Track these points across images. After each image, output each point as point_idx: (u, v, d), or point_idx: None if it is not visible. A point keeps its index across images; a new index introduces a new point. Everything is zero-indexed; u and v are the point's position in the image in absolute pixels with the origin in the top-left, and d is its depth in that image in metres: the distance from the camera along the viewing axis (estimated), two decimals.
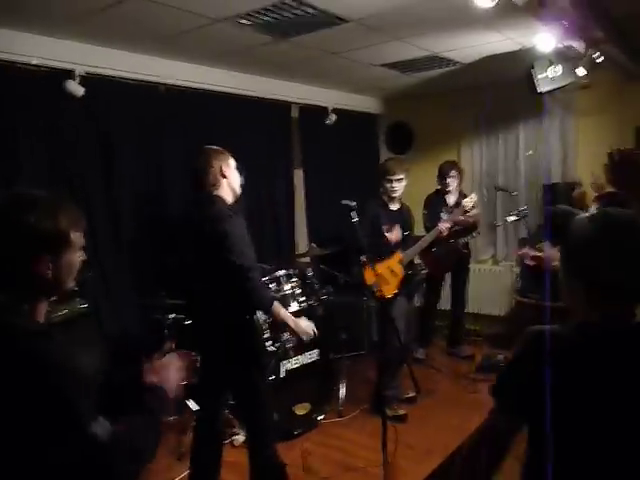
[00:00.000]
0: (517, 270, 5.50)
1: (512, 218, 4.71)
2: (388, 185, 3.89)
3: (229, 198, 2.67)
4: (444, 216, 4.74)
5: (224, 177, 2.64)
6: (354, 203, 2.54)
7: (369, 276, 3.69)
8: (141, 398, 1.45)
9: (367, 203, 3.95)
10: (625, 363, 1.24)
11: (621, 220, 1.33)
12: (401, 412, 3.85)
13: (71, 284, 1.36)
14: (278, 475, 2.69)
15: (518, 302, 5.45)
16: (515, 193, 4.91)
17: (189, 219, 2.87)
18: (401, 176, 3.87)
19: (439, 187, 5.00)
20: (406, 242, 4.03)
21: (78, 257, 1.36)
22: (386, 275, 3.87)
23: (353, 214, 2.51)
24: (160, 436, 1.41)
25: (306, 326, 2.63)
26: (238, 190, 2.73)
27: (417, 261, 5.58)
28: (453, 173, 4.86)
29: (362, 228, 3.73)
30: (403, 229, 4.01)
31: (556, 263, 2.75)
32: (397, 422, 3.57)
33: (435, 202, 4.90)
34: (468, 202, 4.42)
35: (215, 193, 2.62)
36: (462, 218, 4.62)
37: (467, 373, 4.70)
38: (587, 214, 1.39)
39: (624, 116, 4.99)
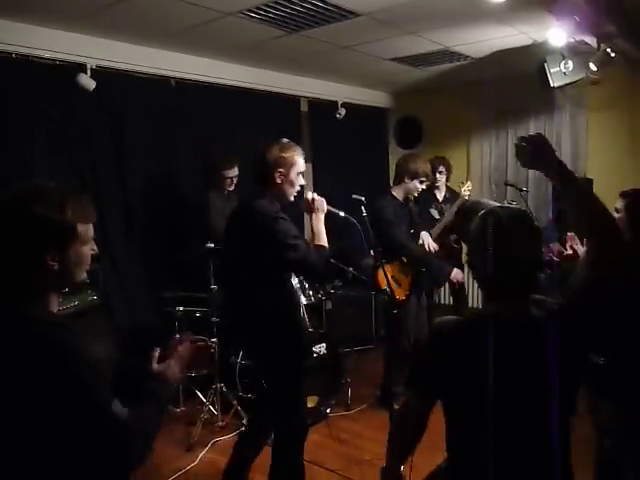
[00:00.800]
0: None
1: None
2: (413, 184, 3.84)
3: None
4: (434, 212, 4.69)
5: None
6: (363, 198, 2.53)
7: (382, 280, 3.53)
8: (146, 385, 1.48)
9: (381, 197, 3.84)
10: (516, 352, 1.33)
11: (505, 220, 1.35)
12: None
13: (81, 276, 1.37)
14: (298, 476, 2.61)
15: None
16: (525, 189, 4.88)
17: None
18: (424, 179, 3.87)
19: (428, 183, 4.90)
20: (416, 236, 3.97)
21: (88, 249, 1.36)
22: (398, 277, 3.83)
23: (363, 209, 2.50)
24: (161, 423, 1.44)
25: None
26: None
27: None
28: (442, 168, 4.74)
29: (396, 228, 3.72)
30: (410, 225, 3.98)
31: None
32: None
33: (424, 198, 4.78)
34: (466, 191, 4.30)
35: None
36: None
37: None
38: (482, 212, 1.41)
39: (635, 111, 4.96)
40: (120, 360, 1.68)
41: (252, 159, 2.50)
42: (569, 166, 5.49)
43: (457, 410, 1.46)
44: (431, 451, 3.25)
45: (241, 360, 3.76)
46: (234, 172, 4.17)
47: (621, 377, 2.04)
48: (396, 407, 2.90)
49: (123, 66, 3.97)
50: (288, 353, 2.48)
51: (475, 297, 5.45)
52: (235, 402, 3.68)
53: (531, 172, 5.68)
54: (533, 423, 1.35)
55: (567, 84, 4.20)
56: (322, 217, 2.49)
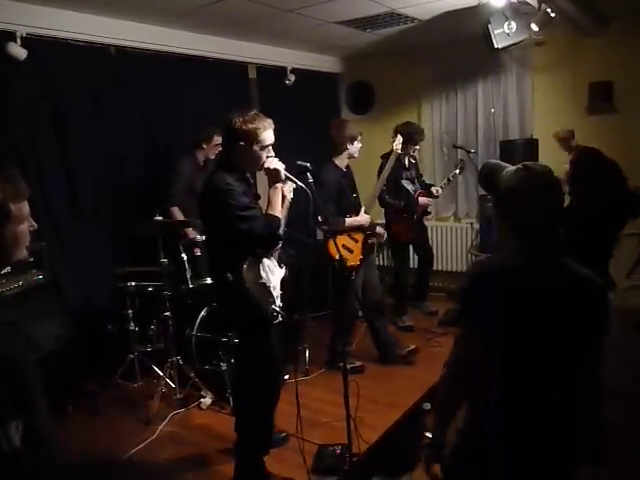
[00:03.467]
0: (477, 227, 5.61)
1: (457, 172, 4.97)
2: (357, 145, 3.85)
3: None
4: (406, 184, 4.77)
5: None
6: (309, 164, 2.52)
7: (333, 251, 3.64)
8: None
9: (328, 172, 3.80)
10: (544, 280, 1.53)
11: (538, 174, 1.57)
12: (357, 364, 4.03)
13: (20, 255, 1.33)
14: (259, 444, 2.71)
15: (477, 258, 5.59)
16: (473, 151, 4.96)
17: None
18: (360, 137, 3.88)
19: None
20: (357, 203, 3.98)
21: (25, 227, 1.32)
22: (349, 244, 3.87)
23: (308, 175, 2.49)
24: None
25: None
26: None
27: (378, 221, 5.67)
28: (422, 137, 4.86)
29: (332, 201, 3.73)
30: (355, 191, 4.00)
31: None
32: (355, 374, 3.67)
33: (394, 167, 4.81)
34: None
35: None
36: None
37: (430, 328, 4.82)
38: (513, 168, 1.63)
39: (578, 72, 5.07)
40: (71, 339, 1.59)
41: (200, 127, 2.51)
42: (516, 127, 5.60)
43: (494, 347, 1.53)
44: (387, 408, 3.32)
45: (196, 332, 3.75)
46: (218, 140, 4.21)
47: None
48: (348, 367, 2.98)
49: (57, 33, 3.77)
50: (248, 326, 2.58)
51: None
52: (192, 375, 3.68)
53: (480, 134, 5.77)
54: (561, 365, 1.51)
55: (511, 45, 4.26)
56: (279, 187, 2.50)
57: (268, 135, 2.50)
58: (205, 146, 4.29)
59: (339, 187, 3.82)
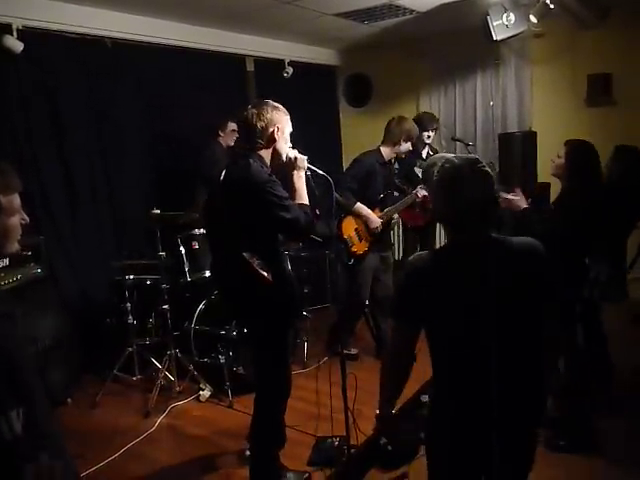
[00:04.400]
0: None
1: None
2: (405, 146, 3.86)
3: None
4: (418, 170, 4.75)
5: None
6: (307, 157, 2.50)
7: (347, 228, 3.79)
8: None
9: (364, 157, 3.88)
10: (475, 260, 1.56)
11: (459, 169, 1.56)
12: (353, 351, 4.09)
13: (12, 249, 1.32)
14: (276, 438, 2.66)
15: None
16: (471, 144, 4.95)
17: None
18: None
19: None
20: (385, 201, 3.98)
21: (17, 220, 1.31)
22: (362, 233, 3.88)
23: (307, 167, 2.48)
24: None
25: None
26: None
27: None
28: (436, 125, 4.82)
29: (352, 179, 3.78)
30: (388, 188, 3.99)
31: (525, 206, 2.90)
32: (350, 360, 3.70)
33: (407, 158, 4.81)
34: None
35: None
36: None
37: None
38: (440, 164, 1.62)
39: (577, 64, 5.05)
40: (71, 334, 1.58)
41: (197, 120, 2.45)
42: (515, 120, 5.55)
43: (437, 333, 1.66)
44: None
45: (195, 325, 3.76)
46: (235, 126, 4.33)
47: None
48: (345, 352, 2.99)
49: (53, 26, 3.75)
50: (278, 318, 2.49)
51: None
52: (191, 367, 3.69)
53: (478, 127, 5.76)
54: (508, 336, 1.55)
55: (510, 37, 4.24)
56: (303, 175, 2.46)
57: (288, 124, 2.48)
58: (222, 134, 4.46)
59: (371, 170, 3.83)
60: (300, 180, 2.44)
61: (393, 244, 6.17)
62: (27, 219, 1.37)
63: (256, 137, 2.39)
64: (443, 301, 1.57)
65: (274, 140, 2.40)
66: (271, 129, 2.38)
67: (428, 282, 1.60)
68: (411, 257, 1.69)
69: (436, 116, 4.96)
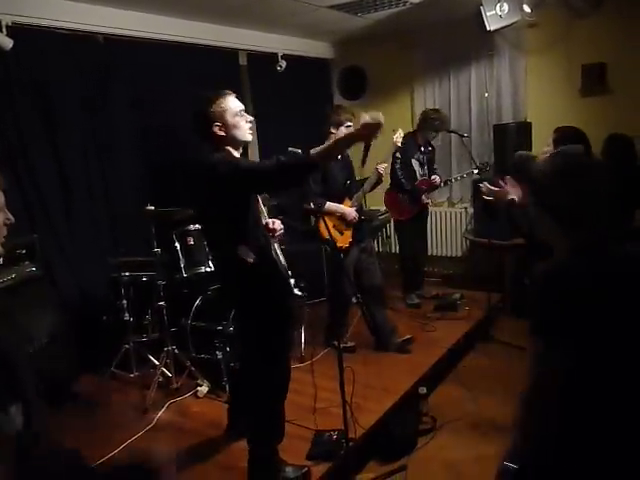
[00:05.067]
0: (471, 212, 5.61)
1: (474, 171, 4.85)
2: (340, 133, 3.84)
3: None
4: (415, 163, 4.80)
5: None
6: (300, 150, 2.49)
7: (324, 230, 3.75)
8: None
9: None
10: (617, 275, 1.36)
11: (575, 159, 1.48)
12: (350, 344, 4.13)
13: None
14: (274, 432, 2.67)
15: (472, 243, 5.60)
16: (466, 135, 4.94)
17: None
18: (350, 123, 3.85)
19: (414, 130, 4.98)
20: (350, 189, 4.01)
21: (0, 220, 1.30)
22: (339, 227, 3.93)
23: None
24: None
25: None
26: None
27: (374, 207, 5.67)
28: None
29: (315, 183, 3.74)
30: (348, 177, 4.01)
31: (512, 196, 2.86)
32: (347, 353, 3.77)
33: (409, 146, 4.79)
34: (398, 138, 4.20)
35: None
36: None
37: (425, 313, 4.84)
38: (547, 157, 1.51)
39: (571, 54, 5.03)
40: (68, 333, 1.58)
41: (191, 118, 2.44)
42: (509, 110, 5.53)
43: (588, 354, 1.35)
44: (382, 393, 3.36)
45: (192, 321, 3.75)
46: None
47: None
48: (341, 345, 2.98)
49: (44, 22, 3.71)
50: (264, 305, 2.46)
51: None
52: (188, 363, 3.69)
53: (473, 118, 5.74)
54: None
55: (503, 27, 4.23)
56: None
57: (233, 101, 2.46)
58: None
59: (324, 169, 3.81)
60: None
61: (389, 237, 6.21)
62: (12, 219, 1.34)
63: (206, 137, 2.39)
64: (588, 322, 1.33)
65: (221, 135, 2.38)
66: (212, 128, 2.36)
67: (573, 297, 1.35)
68: (540, 270, 1.43)
69: (444, 114, 4.95)
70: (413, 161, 4.85)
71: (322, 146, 2.42)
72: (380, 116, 2.21)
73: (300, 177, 2.40)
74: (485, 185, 2.73)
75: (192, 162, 2.48)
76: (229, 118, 2.39)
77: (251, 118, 2.49)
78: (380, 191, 4.63)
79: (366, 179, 4.11)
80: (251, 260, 2.36)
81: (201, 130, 2.41)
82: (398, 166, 4.78)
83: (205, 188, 2.42)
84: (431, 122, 4.76)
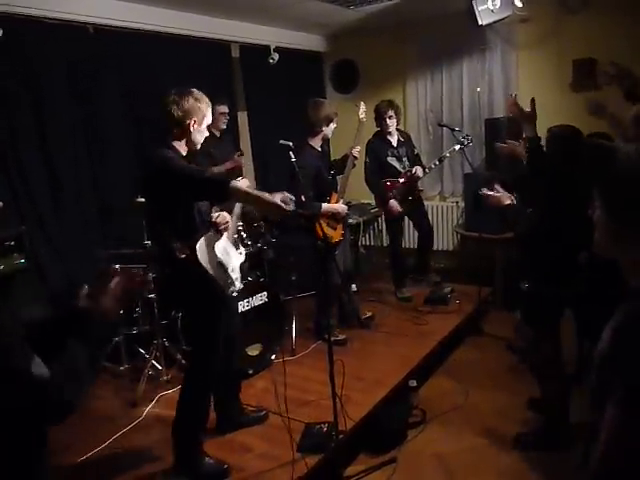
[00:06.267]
0: (462, 206, 5.62)
1: (457, 147, 4.75)
2: (333, 126, 3.88)
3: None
4: (392, 160, 4.76)
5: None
6: (291, 143, 2.49)
7: (319, 230, 3.67)
8: (77, 326, 1.43)
9: (305, 158, 3.73)
10: None
11: None
12: (341, 337, 4.13)
13: None
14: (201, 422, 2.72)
15: (463, 237, 5.62)
16: (458, 129, 4.94)
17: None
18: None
19: (379, 129, 4.84)
20: (334, 182, 4.06)
21: None
22: (331, 223, 3.96)
23: (291, 154, 2.47)
24: (99, 359, 1.42)
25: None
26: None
27: (364, 201, 5.69)
28: (391, 113, 4.68)
29: (309, 188, 3.69)
30: (329, 170, 4.02)
31: (509, 202, 2.90)
32: (338, 346, 3.85)
33: (378, 146, 4.76)
34: (362, 114, 4.19)
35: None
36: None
37: (416, 306, 4.86)
38: (633, 146, 1.13)
39: (563, 49, 5.05)
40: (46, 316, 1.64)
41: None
42: (501, 104, 5.56)
43: None
44: (373, 385, 3.37)
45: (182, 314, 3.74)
46: (224, 108, 4.55)
47: None
48: (332, 339, 2.97)
49: (33, 12, 3.67)
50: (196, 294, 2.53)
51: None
52: (179, 356, 3.69)
53: (465, 112, 5.75)
54: None
55: (495, 22, 4.24)
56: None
57: (208, 115, 2.51)
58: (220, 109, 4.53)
59: (317, 170, 3.83)
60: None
61: (381, 231, 6.22)
62: (1, 204, 1.35)
63: (171, 126, 2.41)
64: None
65: (189, 132, 2.42)
66: (187, 121, 2.37)
67: None
68: (631, 310, 1.07)
69: (394, 102, 4.84)
70: (389, 159, 4.76)
71: (251, 190, 2.43)
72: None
73: (214, 197, 2.45)
74: (484, 193, 2.93)
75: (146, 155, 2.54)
76: (203, 124, 2.48)
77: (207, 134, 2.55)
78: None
79: (337, 164, 4.17)
80: (183, 255, 2.42)
81: (174, 115, 2.40)
82: (369, 172, 4.72)
83: (147, 181, 2.51)
84: (378, 109, 4.70)
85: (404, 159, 4.83)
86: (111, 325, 1.40)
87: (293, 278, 4.42)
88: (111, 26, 4.16)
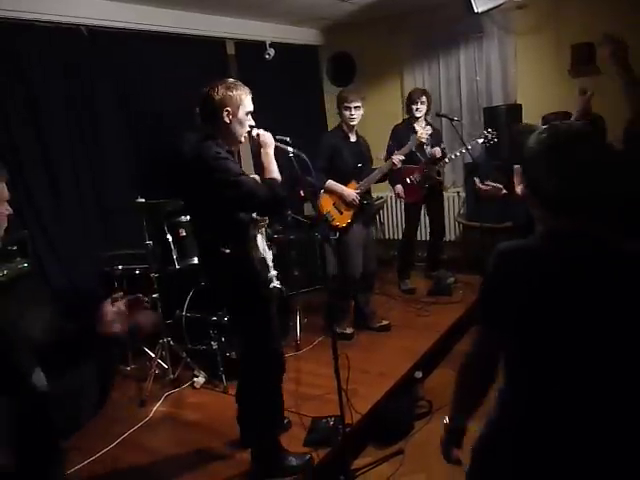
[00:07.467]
0: (463, 196, 5.61)
1: (480, 140, 4.67)
2: (347, 113, 3.87)
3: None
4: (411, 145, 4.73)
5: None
6: (288, 138, 2.48)
7: (324, 204, 3.90)
8: (93, 348, 1.44)
9: (326, 134, 4.08)
10: (581, 265, 1.23)
11: (569, 133, 1.28)
12: (348, 331, 4.13)
13: None
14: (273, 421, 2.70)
15: (465, 226, 5.61)
16: (456, 119, 4.92)
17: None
18: (358, 103, 3.85)
19: (407, 116, 4.86)
20: (361, 173, 4.02)
21: (2, 209, 1.30)
22: (340, 206, 3.96)
23: (289, 149, 2.45)
24: (111, 382, 1.41)
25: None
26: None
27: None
28: (423, 99, 4.69)
29: (320, 159, 3.81)
30: (360, 161, 4.00)
31: (505, 192, 2.88)
32: (344, 340, 3.89)
33: (402, 133, 4.70)
34: (423, 134, 4.29)
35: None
36: (413, 150, 4.48)
37: (419, 297, 4.85)
38: (539, 129, 1.34)
39: (561, 34, 5.01)
40: (61, 328, 1.63)
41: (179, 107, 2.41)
42: (499, 93, 5.50)
43: (524, 346, 1.31)
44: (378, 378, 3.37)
45: (186, 313, 3.75)
46: None
47: None
48: (340, 332, 2.93)
49: (27, 16, 3.66)
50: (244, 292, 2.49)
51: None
52: (184, 355, 3.70)
53: (463, 101, 5.72)
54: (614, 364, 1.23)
55: (491, 8, 4.21)
56: (270, 151, 2.41)
57: (250, 100, 2.44)
58: None
59: (333, 148, 3.90)
60: (267, 157, 2.40)
61: (383, 223, 6.21)
62: (11, 210, 1.35)
63: (208, 119, 2.36)
64: (539, 308, 1.25)
65: (225, 123, 2.36)
66: (221, 112, 2.33)
67: (523, 280, 1.27)
68: (501, 246, 1.34)
69: (427, 90, 4.87)
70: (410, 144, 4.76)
71: (268, 171, 2.39)
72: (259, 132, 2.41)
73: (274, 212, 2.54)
74: (478, 186, 2.93)
75: (178, 151, 2.47)
76: (240, 112, 2.38)
77: (253, 123, 2.46)
78: None
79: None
80: (228, 251, 2.38)
81: (207, 109, 2.36)
82: (388, 155, 4.65)
83: (189, 178, 2.42)
84: (409, 97, 4.75)
85: (426, 148, 4.76)
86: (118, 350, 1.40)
87: (296, 273, 4.42)
88: (105, 27, 4.15)
